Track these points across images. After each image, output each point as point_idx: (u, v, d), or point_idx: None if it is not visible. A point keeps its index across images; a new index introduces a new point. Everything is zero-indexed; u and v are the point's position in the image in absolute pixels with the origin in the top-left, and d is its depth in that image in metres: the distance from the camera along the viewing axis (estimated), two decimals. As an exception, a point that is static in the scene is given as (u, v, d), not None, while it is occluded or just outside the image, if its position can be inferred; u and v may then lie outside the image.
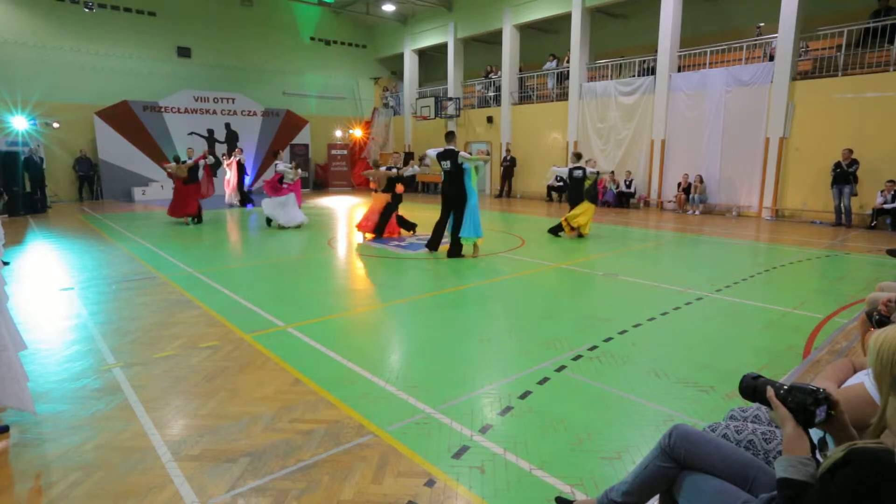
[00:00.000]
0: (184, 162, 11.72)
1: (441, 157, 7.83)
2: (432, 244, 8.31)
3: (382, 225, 9.73)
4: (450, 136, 8.00)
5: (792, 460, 1.33)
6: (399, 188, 9.66)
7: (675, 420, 3.01)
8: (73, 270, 7.18)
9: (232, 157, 15.57)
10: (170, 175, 11.70)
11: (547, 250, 8.71)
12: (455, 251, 7.90)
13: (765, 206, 12.73)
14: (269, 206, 11.11)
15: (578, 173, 9.69)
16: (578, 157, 10.02)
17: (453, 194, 7.82)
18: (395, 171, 9.61)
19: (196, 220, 11.75)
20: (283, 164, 11.51)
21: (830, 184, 11.34)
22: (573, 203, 9.76)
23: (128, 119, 17.64)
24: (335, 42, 23.09)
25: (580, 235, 9.73)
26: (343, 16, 22.60)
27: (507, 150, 18.33)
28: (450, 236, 7.98)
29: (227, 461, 2.67)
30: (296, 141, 21.31)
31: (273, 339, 4.48)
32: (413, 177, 9.67)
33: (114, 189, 17.63)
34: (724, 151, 13.36)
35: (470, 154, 7.81)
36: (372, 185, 10.69)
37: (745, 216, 13.11)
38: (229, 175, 15.73)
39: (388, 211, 9.71)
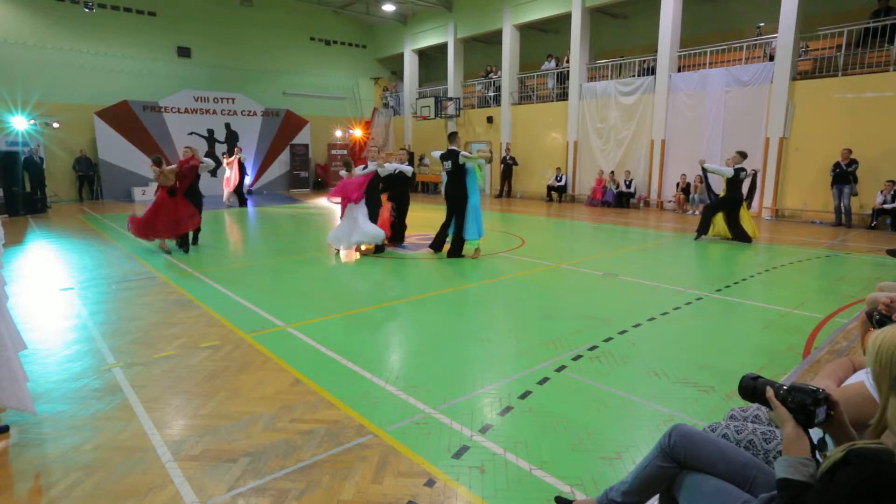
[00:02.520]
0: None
1: (443, 157, 7.86)
2: (436, 244, 8.31)
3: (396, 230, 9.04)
4: (452, 136, 7.99)
5: (792, 461, 1.33)
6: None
7: (675, 420, 3.00)
8: (73, 270, 7.18)
9: (233, 157, 15.49)
10: (156, 180, 8.37)
11: (547, 250, 8.71)
12: (456, 251, 7.89)
13: (765, 206, 12.72)
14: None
15: (743, 174, 9.08)
16: (744, 156, 9.29)
17: (454, 194, 7.83)
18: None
19: (183, 248, 8.50)
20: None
21: (830, 184, 11.34)
22: (737, 204, 9.14)
23: (128, 119, 17.63)
24: (335, 42, 23.08)
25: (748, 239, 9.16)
26: (343, 16, 22.59)
27: (507, 150, 18.33)
28: (451, 236, 7.98)
29: (227, 461, 2.67)
30: (296, 141, 21.31)
31: (273, 339, 4.48)
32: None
33: (114, 189, 17.62)
34: (724, 151, 13.34)
35: (470, 154, 7.77)
36: None
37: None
38: (229, 174, 15.67)
39: (398, 213, 9.08)
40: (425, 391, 3.46)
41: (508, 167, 18.19)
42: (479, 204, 7.86)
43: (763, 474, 1.67)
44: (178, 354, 4.13)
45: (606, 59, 16.40)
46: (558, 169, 17.03)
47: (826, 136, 11.61)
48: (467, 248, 7.97)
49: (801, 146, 12.09)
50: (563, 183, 16.88)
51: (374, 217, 8.29)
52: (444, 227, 8.13)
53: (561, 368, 3.83)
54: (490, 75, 19.83)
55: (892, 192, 10.63)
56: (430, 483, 2.49)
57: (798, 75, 12.20)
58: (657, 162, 14.65)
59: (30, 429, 2.99)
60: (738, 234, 9.20)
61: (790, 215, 12.53)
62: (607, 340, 4.41)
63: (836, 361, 1.95)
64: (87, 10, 16.81)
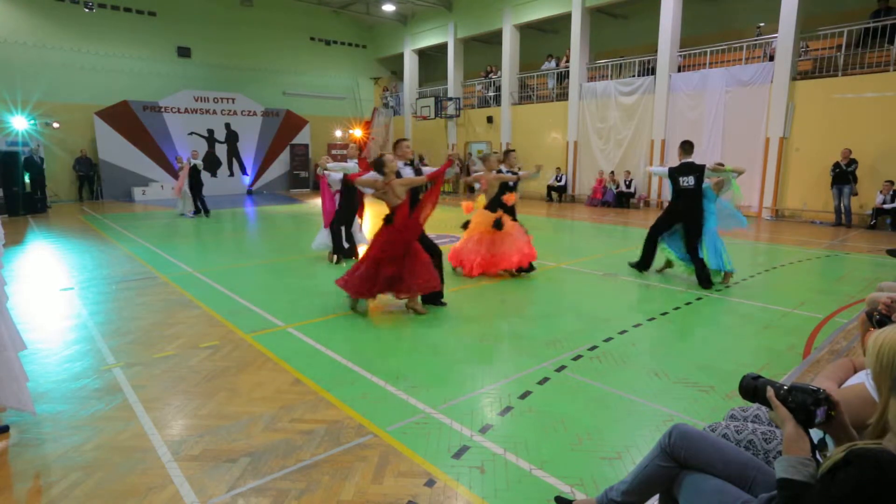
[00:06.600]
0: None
1: (680, 171, 6.13)
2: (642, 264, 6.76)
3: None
4: (689, 146, 6.26)
5: (792, 461, 1.33)
6: (511, 198, 6.81)
7: (675, 420, 3.00)
8: (73, 270, 7.17)
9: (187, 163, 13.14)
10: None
11: (547, 250, 8.70)
12: (707, 278, 6.15)
13: (765, 206, 12.73)
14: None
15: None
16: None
17: (696, 218, 6.24)
18: (511, 174, 6.75)
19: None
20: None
21: (830, 184, 11.34)
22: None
23: (128, 119, 17.64)
24: (335, 42, 23.08)
25: None
26: (343, 16, 22.59)
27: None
28: (693, 263, 6.31)
29: (227, 461, 2.67)
30: (296, 141, 21.31)
31: (273, 339, 4.48)
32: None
33: (114, 189, 17.62)
34: (724, 151, 13.35)
35: (724, 166, 6.10)
36: (483, 187, 6.77)
37: (745, 216, 13.07)
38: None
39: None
40: (425, 391, 3.46)
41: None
42: (716, 229, 6.36)
43: (763, 474, 1.67)
44: (178, 354, 4.13)
45: (606, 59, 16.40)
46: (558, 169, 17.03)
47: (826, 136, 11.61)
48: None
49: (801, 146, 12.09)
50: (563, 183, 16.88)
51: (348, 221, 7.57)
52: (649, 243, 6.63)
53: (561, 368, 3.83)
54: (490, 75, 19.83)
55: (891, 192, 10.62)
56: (430, 483, 2.49)
57: (798, 75, 12.20)
58: (657, 162, 14.64)
59: (30, 429, 2.99)
60: None
61: (790, 215, 12.53)
62: (607, 340, 4.41)
63: (836, 362, 1.95)
64: (87, 10, 16.82)
